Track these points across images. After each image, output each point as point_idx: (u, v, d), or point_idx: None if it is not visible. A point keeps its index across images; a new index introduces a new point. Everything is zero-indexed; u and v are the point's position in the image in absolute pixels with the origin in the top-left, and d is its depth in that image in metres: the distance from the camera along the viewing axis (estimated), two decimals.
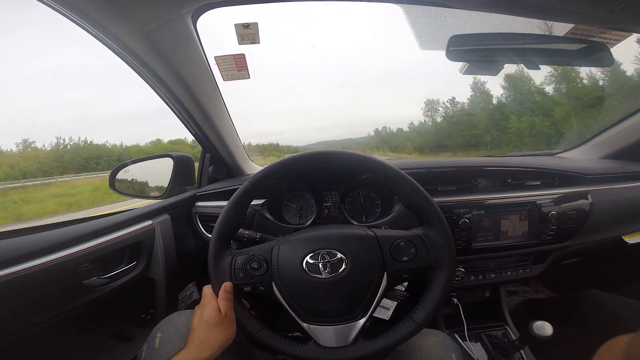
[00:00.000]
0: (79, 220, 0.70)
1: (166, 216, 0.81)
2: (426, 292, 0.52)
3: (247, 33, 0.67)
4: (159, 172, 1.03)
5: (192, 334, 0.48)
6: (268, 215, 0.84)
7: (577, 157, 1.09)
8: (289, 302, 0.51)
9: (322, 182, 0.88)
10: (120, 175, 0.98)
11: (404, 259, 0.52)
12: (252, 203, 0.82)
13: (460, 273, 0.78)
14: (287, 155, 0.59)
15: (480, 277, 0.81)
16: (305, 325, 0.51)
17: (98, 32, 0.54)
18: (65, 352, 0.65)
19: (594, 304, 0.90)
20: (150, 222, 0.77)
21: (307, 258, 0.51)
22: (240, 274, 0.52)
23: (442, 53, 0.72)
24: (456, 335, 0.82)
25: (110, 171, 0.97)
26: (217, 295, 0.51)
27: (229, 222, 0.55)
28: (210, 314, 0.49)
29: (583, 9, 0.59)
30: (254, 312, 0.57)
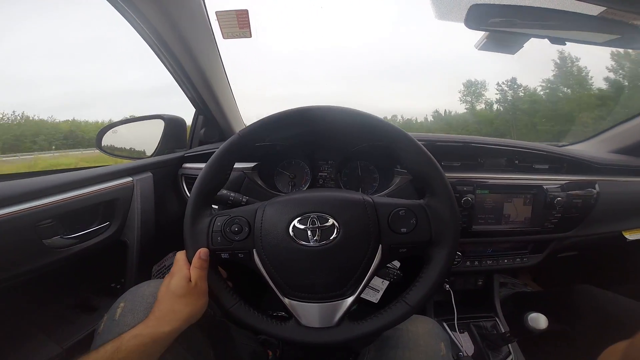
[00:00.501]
0: (47, 172, 0.64)
1: (148, 174, 0.75)
2: (423, 271, 0.47)
3: None
4: (150, 134, 0.97)
5: (155, 305, 0.43)
6: (258, 181, 0.79)
7: (584, 150, 1.06)
8: (270, 273, 0.45)
9: (318, 150, 0.82)
10: (108, 135, 0.93)
11: (402, 230, 0.46)
12: (242, 166, 0.77)
13: (456, 257, 0.75)
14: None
15: (477, 262, 0.77)
16: (286, 300, 0.45)
17: None
18: (13, 322, 0.59)
19: (585, 300, 0.88)
20: (129, 179, 0.71)
21: (295, 222, 0.45)
22: (218, 238, 0.46)
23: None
24: (445, 324, 0.79)
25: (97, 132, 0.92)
26: (190, 261, 0.45)
27: (212, 178, 0.49)
28: (177, 283, 0.43)
29: None
30: (232, 283, 0.52)
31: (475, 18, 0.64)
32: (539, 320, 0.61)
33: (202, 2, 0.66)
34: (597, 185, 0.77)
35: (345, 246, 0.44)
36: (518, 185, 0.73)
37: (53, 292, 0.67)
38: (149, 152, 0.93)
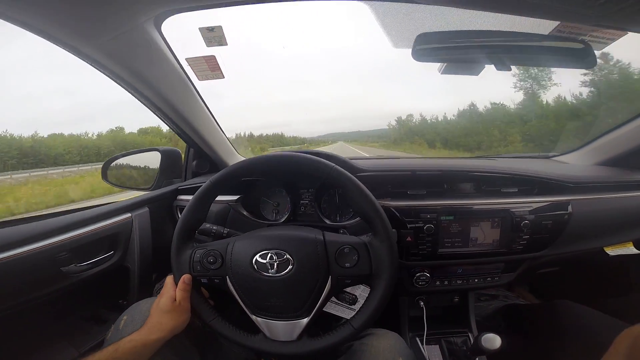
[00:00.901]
0: (61, 213, 0.76)
1: (145, 209, 0.86)
2: (367, 299, 0.55)
3: (213, 36, 0.68)
4: (150, 165, 1.09)
5: (148, 318, 0.54)
6: (243, 212, 0.87)
7: (573, 162, 1.04)
8: (240, 296, 0.55)
9: (298, 179, 0.89)
10: (112, 167, 1.05)
11: (346, 264, 0.54)
12: (226, 199, 0.86)
13: (425, 278, 0.78)
14: (251, 157, 0.62)
15: (446, 282, 0.80)
16: (253, 317, 0.55)
17: (55, 42, 0.55)
18: (41, 332, 0.73)
19: (565, 315, 0.89)
20: (128, 214, 0.82)
21: (257, 257, 0.54)
22: (198, 267, 0.56)
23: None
24: (417, 339, 0.83)
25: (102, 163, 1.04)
26: (177, 285, 0.56)
27: (191, 217, 0.59)
28: (165, 301, 0.54)
29: (564, 5, 0.54)
30: (213, 301, 0.62)
31: (423, 44, 0.66)
32: (493, 341, 0.63)
33: (169, 51, 0.71)
34: (570, 206, 0.76)
35: (299, 278, 0.53)
36: (484, 211, 0.75)
37: (72, 308, 0.81)
38: (150, 182, 1.04)
